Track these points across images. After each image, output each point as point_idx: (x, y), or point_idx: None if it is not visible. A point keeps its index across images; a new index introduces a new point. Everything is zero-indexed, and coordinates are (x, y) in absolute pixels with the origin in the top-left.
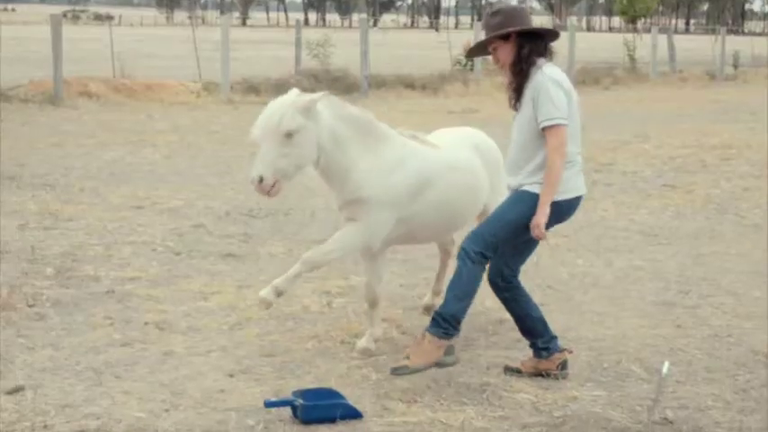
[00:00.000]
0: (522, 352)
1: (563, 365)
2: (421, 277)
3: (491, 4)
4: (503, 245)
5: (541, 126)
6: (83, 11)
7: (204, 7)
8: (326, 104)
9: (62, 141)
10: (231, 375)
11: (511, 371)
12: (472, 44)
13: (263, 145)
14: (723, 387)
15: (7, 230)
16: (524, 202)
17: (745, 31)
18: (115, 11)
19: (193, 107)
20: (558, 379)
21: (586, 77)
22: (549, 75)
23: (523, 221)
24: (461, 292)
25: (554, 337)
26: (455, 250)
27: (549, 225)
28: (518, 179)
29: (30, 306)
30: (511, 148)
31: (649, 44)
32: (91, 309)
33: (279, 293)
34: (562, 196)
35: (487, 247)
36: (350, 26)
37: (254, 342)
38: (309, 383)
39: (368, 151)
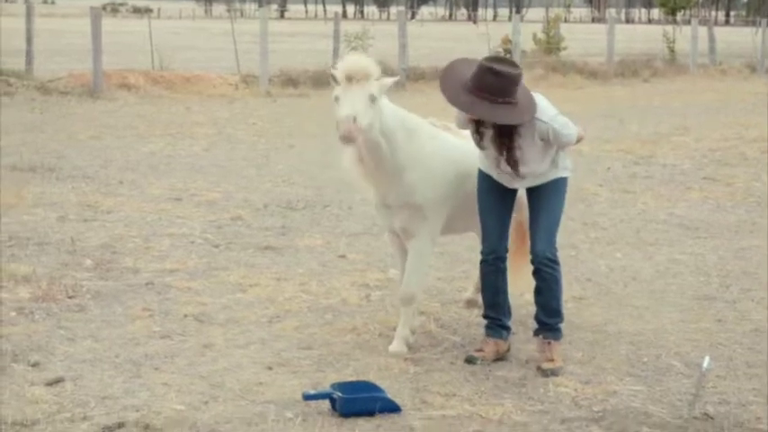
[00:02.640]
0: (561, 347)
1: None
2: (459, 270)
3: (498, 59)
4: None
5: (567, 147)
6: (122, 4)
7: (242, 0)
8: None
9: (101, 133)
10: (270, 368)
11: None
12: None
13: (353, 89)
14: (764, 382)
15: (47, 222)
16: (563, 189)
17: None
18: (154, 3)
19: (232, 99)
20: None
21: (625, 70)
22: (547, 119)
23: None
24: (561, 295)
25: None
26: None
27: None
28: (537, 180)
29: (70, 297)
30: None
31: (689, 36)
32: (130, 301)
33: (407, 340)
34: (570, 173)
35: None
36: (388, 19)
37: (293, 335)
38: (348, 376)
39: (410, 142)
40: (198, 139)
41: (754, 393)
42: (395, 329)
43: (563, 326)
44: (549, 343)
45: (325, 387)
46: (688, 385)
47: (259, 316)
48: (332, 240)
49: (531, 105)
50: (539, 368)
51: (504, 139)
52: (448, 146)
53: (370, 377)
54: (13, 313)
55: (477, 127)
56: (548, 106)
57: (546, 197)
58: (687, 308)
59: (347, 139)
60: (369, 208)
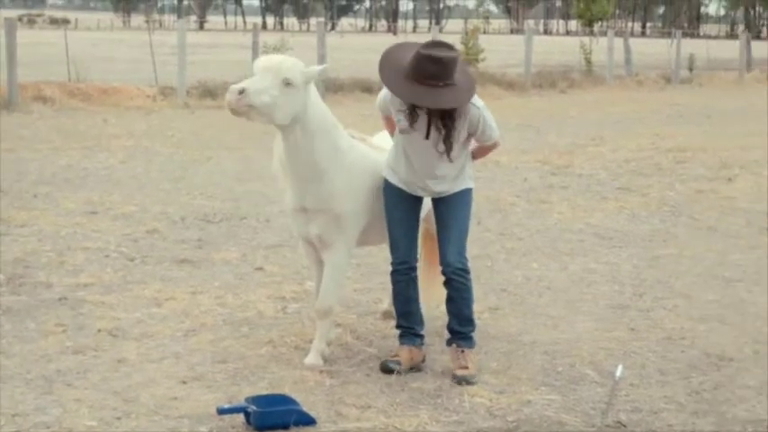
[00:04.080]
0: (475, 355)
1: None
2: (376, 282)
3: (434, 44)
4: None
5: (489, 143)
6: (39, 15)
7: (161, 11)
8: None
9: (15, 146)
10: (184, 382)
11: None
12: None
13: (258, 74)
14: (676, 389)
15: None
16: (470, 200)
17: (701, 34)
18: (71, 14)
19: (149, 111)
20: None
21: (543, 81)
22: (479, 105)
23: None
24: (472, 303)
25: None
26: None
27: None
28: (446, 185)
29: None
30: (428, 161)
31: (606, 47)
32: (43, 316)
33: (323, 353)
34: (474, 184)
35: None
36: (308, 30)
37: (208, 348)
38: (263, 389)
39: (334, 147)
40: (114, 152)
41: (665, 401)
42: (311, 342)
43: (475, 334)
44: (463, 351)
45: (240, 401)
46: (601, 394)
47: (174, 330)
48: (248, 253)
49: (472, 85)
50: (453, 376)
51: (447, 120)
52: (367, 158)
53: (286, 390)
54: None
55: (413, 108)
56: (478, 98)
57: (454, 208)
58: (601, 317)
59: (231, 110)
60: (286, 220)
